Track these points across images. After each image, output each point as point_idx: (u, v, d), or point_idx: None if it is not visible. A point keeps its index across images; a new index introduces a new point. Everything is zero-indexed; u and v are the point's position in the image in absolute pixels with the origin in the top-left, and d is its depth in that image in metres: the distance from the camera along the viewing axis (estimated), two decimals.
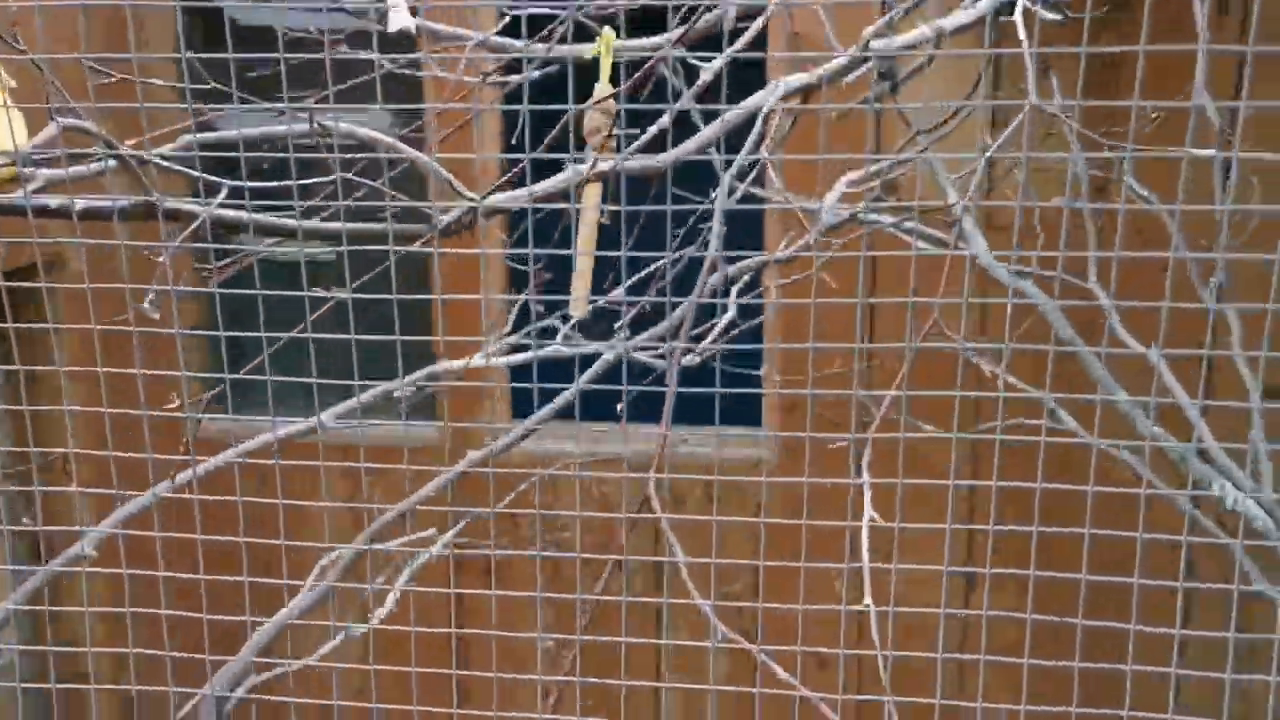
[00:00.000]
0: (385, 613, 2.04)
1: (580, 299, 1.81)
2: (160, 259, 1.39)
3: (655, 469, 1.48)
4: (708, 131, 1.61)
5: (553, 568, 2.14)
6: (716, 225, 1.56)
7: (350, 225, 1.43)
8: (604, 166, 1.57)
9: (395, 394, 2.03)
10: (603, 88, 1.67)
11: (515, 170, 1.69)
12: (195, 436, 1.63)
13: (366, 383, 1.78)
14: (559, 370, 1.84)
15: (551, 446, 2.79)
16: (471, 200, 1.44)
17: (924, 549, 1.67)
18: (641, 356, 1.80)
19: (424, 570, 1.76)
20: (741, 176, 1.62)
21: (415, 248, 1.52)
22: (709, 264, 1.59)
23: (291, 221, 1.36)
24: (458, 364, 2.00)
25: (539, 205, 1.61)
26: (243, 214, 1.38)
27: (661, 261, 1.79)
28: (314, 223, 1.40)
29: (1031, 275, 1.81)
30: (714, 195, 1.55)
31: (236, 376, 1.74)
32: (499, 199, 1.59)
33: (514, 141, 1.51)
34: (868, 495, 1.43)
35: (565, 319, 1.88)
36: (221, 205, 1.32)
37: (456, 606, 1.44)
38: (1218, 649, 1.38)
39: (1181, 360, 1.53)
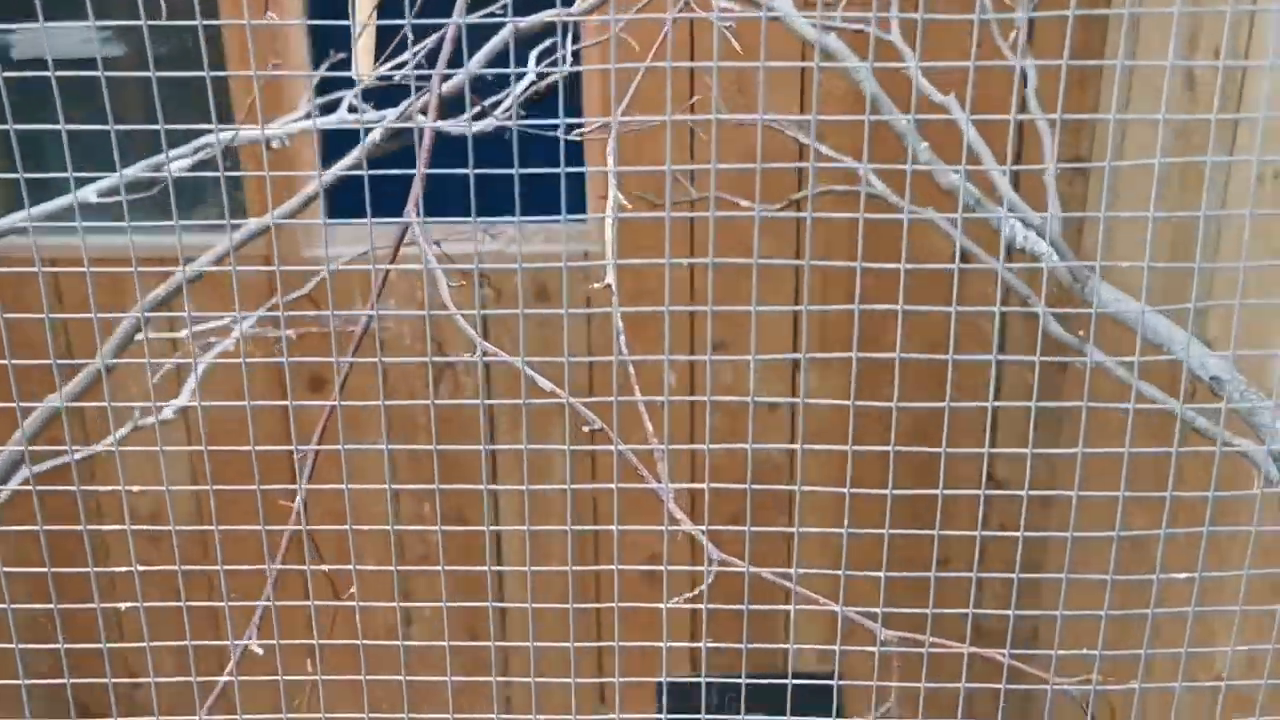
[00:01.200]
0: (178, 405, 1.93)
1: (365, 58, 1.62)
2: None
3: (391, 259, 1.39)
4: None
5: (387, 375, 2.10)
6: None
7: None
8: None
9: (184, 167, 1.82)
10: None
11: None
12: None
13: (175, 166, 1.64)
14: (394, 158, 1.67)
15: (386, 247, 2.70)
16: None
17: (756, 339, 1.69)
18: (440, 127, 1.62)
19: (253, 387, 1.70)
20: None
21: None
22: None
23: None
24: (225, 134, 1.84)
25: None
26: None
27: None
28: None
29: (834, 30, 1.76)
30: None
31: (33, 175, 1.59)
32: None
33: None
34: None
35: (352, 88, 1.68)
36: None
37: (295, 422, 1.41)
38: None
39: (993, 125, 1.53)
